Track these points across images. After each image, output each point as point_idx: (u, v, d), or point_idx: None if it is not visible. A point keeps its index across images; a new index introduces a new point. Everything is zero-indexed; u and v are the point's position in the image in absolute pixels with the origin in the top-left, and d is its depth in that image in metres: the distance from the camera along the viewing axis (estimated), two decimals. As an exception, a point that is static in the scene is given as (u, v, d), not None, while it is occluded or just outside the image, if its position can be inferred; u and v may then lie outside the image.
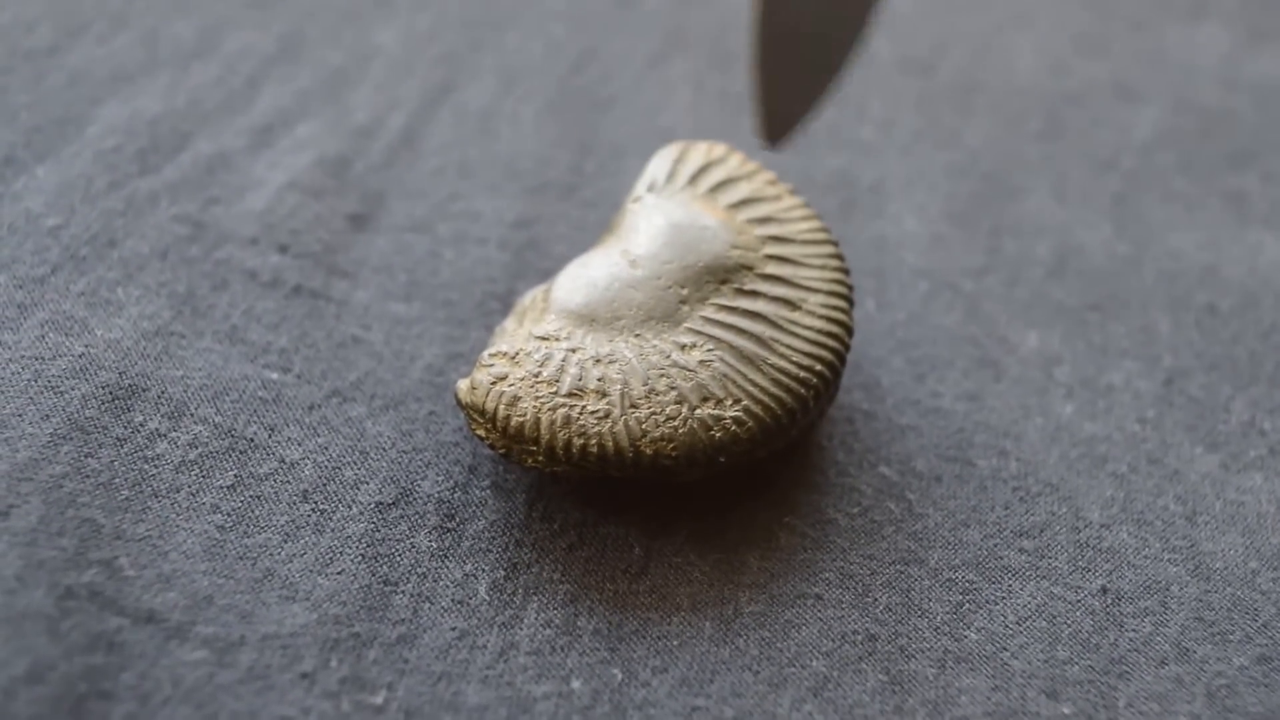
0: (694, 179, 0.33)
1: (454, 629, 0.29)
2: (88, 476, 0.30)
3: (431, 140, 0.39)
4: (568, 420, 0.29)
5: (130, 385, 0.32)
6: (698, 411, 0.30)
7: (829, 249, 0.33)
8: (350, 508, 0.31)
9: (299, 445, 0.32)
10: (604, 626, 0.29)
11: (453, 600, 0.30)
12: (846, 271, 0.33)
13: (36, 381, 0.31)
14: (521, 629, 0.29)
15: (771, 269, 0.32)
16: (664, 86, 0.41)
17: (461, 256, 0.36)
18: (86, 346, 0.32)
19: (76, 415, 0.31)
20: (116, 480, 0.30)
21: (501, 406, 0.30)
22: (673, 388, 0.30)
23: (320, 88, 0.39)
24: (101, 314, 0.33)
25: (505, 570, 0.30)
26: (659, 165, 0.34)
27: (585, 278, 0.31)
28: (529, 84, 0.41)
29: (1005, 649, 0.30)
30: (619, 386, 0.30)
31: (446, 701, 0.28)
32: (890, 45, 0.43)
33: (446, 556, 0.30)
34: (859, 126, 0.41)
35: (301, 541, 0.30)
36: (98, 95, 0.38)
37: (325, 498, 0.31)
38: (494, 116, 0.40)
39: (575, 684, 0.29)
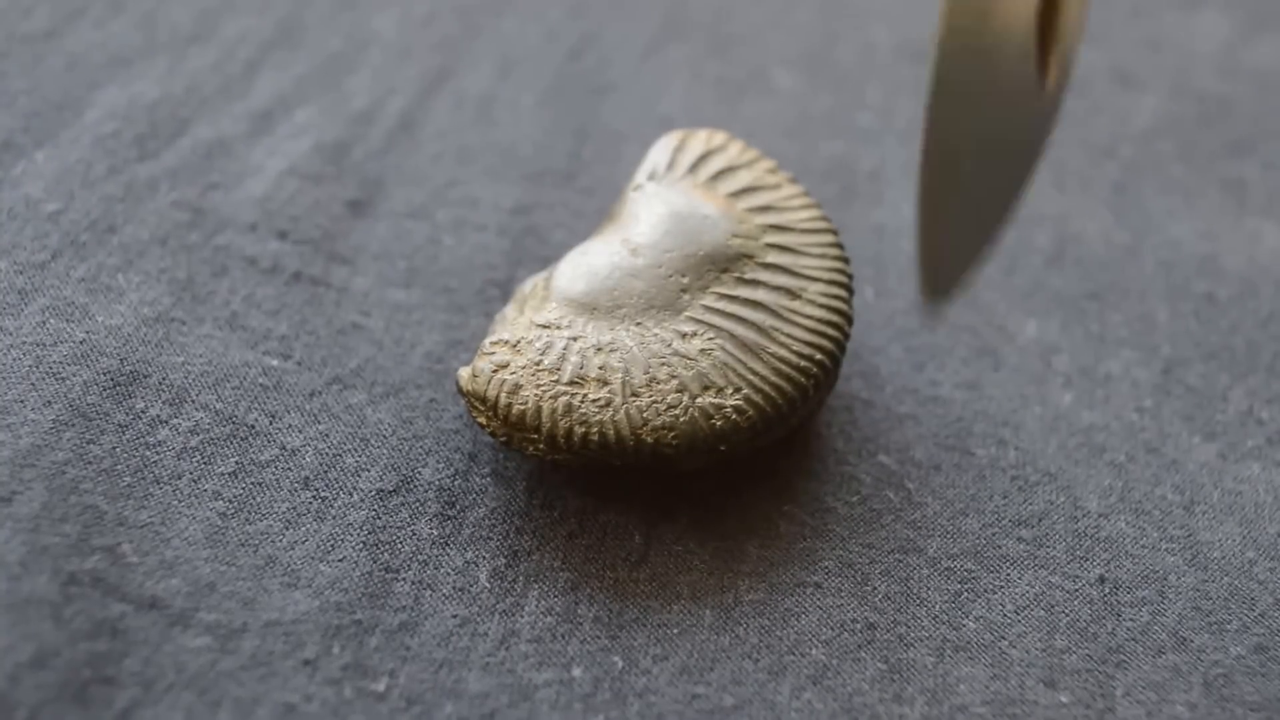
0: (694, 167, 0.34)
1: (455, 616, 0.29)
2: (90, 463, 0.30)
3: (430, 126, 0.39)
4: (569, 408, 0.30)
5: (131, 372, 0.32)
6: (698, 400, 0.30)
7: (829, 238, 0.33)
8: (351, 495, 0.31)
9: (300, 432, 0.32)
10: (604, 614, 0.30)
11: (454, 588, 0.30)
12: (847, 260, 0.33)
13: (38, 368, 0.31)
14: (522, 616, 0.29)
15: (772, 258, 0.32)
16: (662, 73, 0.41)
17: (461, 243, 0.36)
18: (87, 333, 0.32)
19: (78, 402, 0.31)
20: (118, 467, 0.30)
21: (503, 394, 0.30)
22: (674, 376, 0.30)
23: (319, 73, 0.39)
24: (102, 300, 0.33)
25: (506, 558, 0.30)
26: (659, 153, 0.34)
27: (586, 266, 0.32)
28: (527, 70, 0.41)
29: (1003, 638, 0.30)
30: (620, 375, 0.30)
31: (448, 689, 0.28)
32: (889, 31, 0.43)
33: (447, 544, 0.30)
34: (857, 113, 0.41)
35: (303, 529, 0.30)
36: (96, 80, 0.38)
37: (326, 485, 0.31)
38: (492, 103, 0.40)
39: (576, 671, 0.29)
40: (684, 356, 0.30)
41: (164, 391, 0.32)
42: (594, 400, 0.30)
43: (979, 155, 0.25)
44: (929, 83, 0.24)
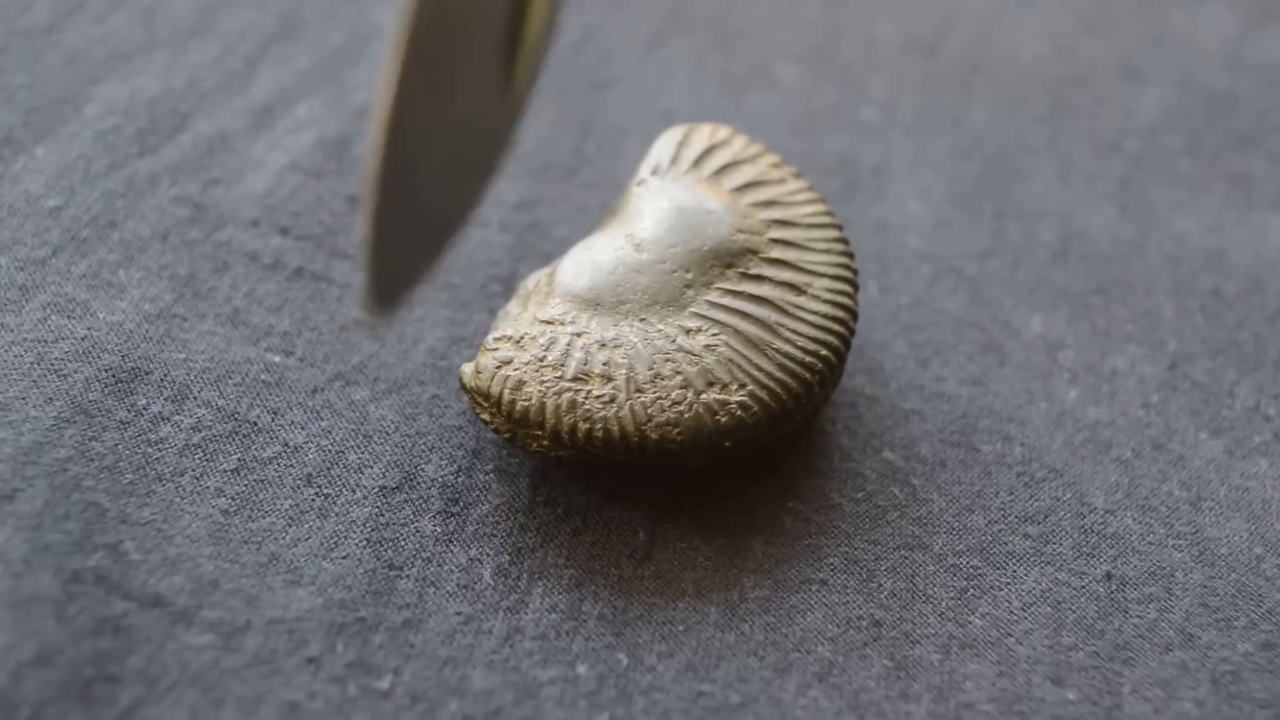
0: (698, 162, 0.33)
1: (459, 614, 0.29)
2: (92, 460, 0.30)
3: (432, 120, 0.39)
4: (573, 405, 0.29)
5: (133, 368, 0.32)
6: (703, 396, 0.30)
7: (833, 233, 0.33)
8: (354, 492, 0.31)
9: (302, 429, 0.32)
10: (609, 611, 0.29)
11: (458, 585, 0.30)
12: (851, 255, 0.32)
13: (39, 364, 0.31)
14: (526, 614, 0.29)
15: (776, 253, 0.32)
16: (665, 67, 0.41)
17: (463, 239, 0.36)
18: (89, 329, 0.32)
19: (80, 398, 0.31)
20: (121, 464, 0.30)
21: (506, 391, 0.30)
22: (678, 372, 0.30)
23: (320, 67, 0.39)
24: (103, 296, 0.33)
25: (510, 555, 0.30)
26: (663, 148, 0.34)
27: (590, 261, 0.31)
28: (530, 64, 0.41)
29: (1010, 635, 0.30)
30: (624, 371, 0.30)
31: (452, 686, 0.28)
32: (893, 25, 0.43)
33: (451, 541, 0.30)
34: (861, 108, 0.40)
35: (306, 526, 0.30)
36: (96, 75, 0.38)
37: (329, 482, 0.31)
38: (495, 97, 0.40)
39: (581, 669, 0.29)
40: (688, 352, 0.30)
41: (166, 388, 0.32)
42: (598, 396, 0.30)
43: (437, 155, 0.24)
44: (390, 72, 0.22)
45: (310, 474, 0.31)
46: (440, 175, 0.24)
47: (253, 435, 0.31)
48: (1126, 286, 0.36)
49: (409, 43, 0.22)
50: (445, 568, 0.30)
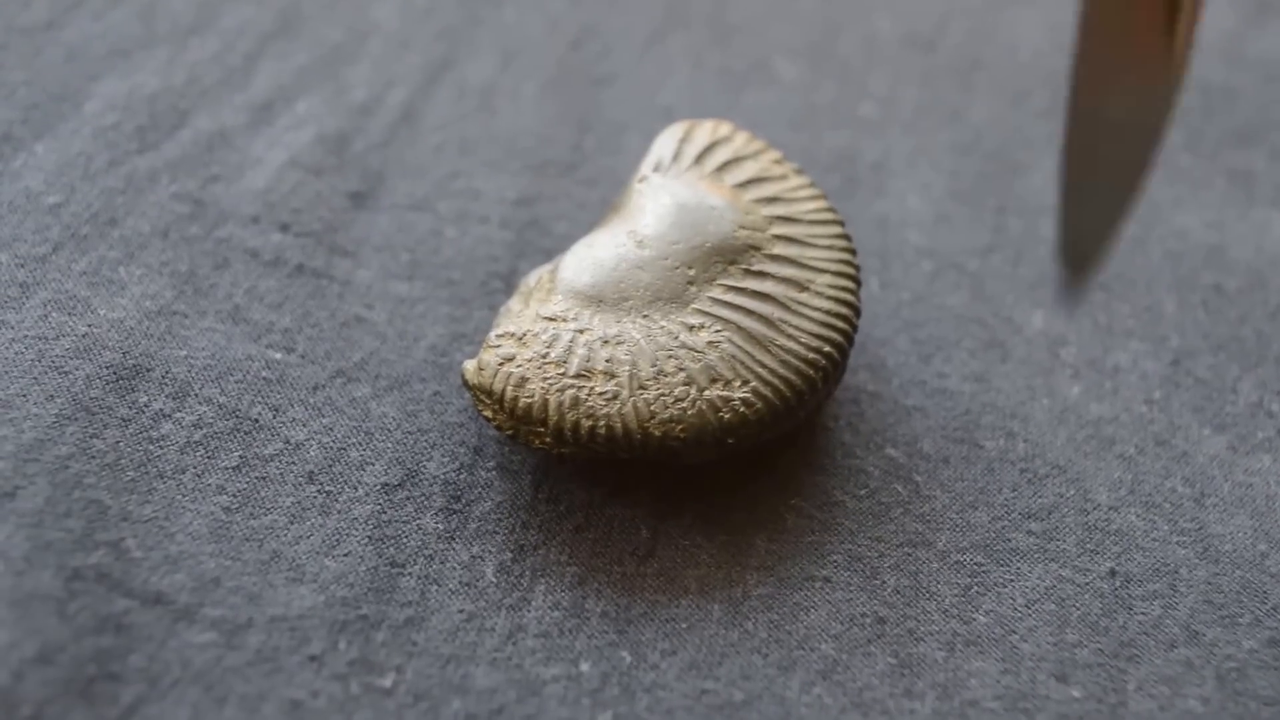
0: (700, 158, 0.33)
1: (462, 611, 0.29)
2: (93, 457, 0.30)
3: (431, 117, 0.38)
4: (576, 402, 0.29)
5: (134, 365, 0.32)
6: (706, 393, 0.30)
7: (835, 229, 0.33)
8: (356, 489, 0.31)
9: (304, 426, 0.31)
10: (612, 609, 0.29)
11: (460, 582, 0.29)
12: (853, 252, 0.32)
13: (40, 362, 0.31)
14: (529, 611, 0.29)
15: (779, 249, 0.32)
16: (664, 63, 0.41)
17: (463, 235, 0.36)
18: (90, 326, 0.32)
19: (81, 395, 0.31)
20: (122, 461, 0.30)
21: (509, 388, 0.30)
22: (681, 369, 0.30)
23: (319, 64, 0.39)
24: (104, 293, 0.33)
25: (512, 552, 0.30)
26: (665, 144, 0.34)
27: (592, 258, 0.31)
28: (528, 60, 0.40)
29: (1014, 632, 0.30)
30: (627, 368, 0.30)
31: (455, 684, 0.28)
32: (892, 20, 0.43)
33: (453, 538, 0.30)
34: (861, 103, 0.40)
35: (308, 523, 0.30)
36: (95, 71, 0.38)
37: (331, 479, 0.31)
38: (494, 93, 0.39)
39: (584, 666, 0.29)
40: (691, 349, 0.30)
41: (167, 385, 0.31)
42: (601, 393, 0.29)
43: (1117, 128, 0.25)
44: (1072, 59, 0.24)
45: (312, 471, 0.31)
46: (1121, 147, 0.26)
47: (254, 432, 0.31)
48: (1128, 282, 0.36)
49: (1086, 27, 0.24)
50: (448, 565, 0.30)
